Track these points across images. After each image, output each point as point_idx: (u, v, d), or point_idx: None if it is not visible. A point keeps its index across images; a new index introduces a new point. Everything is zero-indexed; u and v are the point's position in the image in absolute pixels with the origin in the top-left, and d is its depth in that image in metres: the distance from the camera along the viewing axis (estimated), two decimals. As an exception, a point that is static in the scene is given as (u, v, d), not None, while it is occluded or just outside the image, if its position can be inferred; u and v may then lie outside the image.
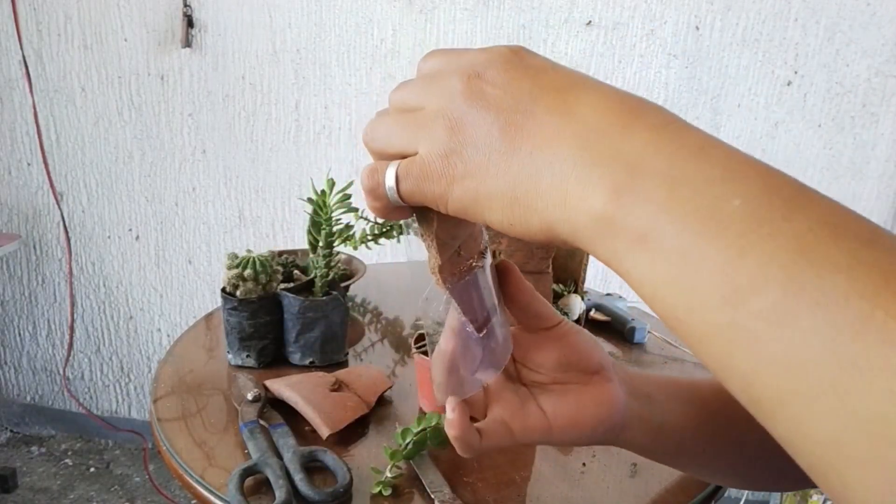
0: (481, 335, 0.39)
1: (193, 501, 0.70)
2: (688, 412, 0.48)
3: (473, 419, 0.43)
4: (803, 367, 0.21)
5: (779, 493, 1.79)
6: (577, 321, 0.94)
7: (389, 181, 0.31)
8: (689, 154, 0.25)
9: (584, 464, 0.75)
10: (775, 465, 0.51)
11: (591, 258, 0.95)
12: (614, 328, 1.05)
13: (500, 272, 0.42)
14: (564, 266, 0.94)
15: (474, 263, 0.38)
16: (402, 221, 1.05)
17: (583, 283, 0.96)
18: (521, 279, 0.43)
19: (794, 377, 0.21)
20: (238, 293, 0.85)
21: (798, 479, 0.52)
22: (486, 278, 0.40)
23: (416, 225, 0.36)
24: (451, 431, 0.41)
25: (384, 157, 0.32)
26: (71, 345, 2.05)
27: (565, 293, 0.94)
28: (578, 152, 0.26)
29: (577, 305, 0.93)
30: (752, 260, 0.22)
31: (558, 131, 0.27)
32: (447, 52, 0.32)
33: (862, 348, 0.20)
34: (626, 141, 0.26)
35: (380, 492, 0.67)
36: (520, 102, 0.28)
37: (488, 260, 0.41)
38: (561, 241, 0.28)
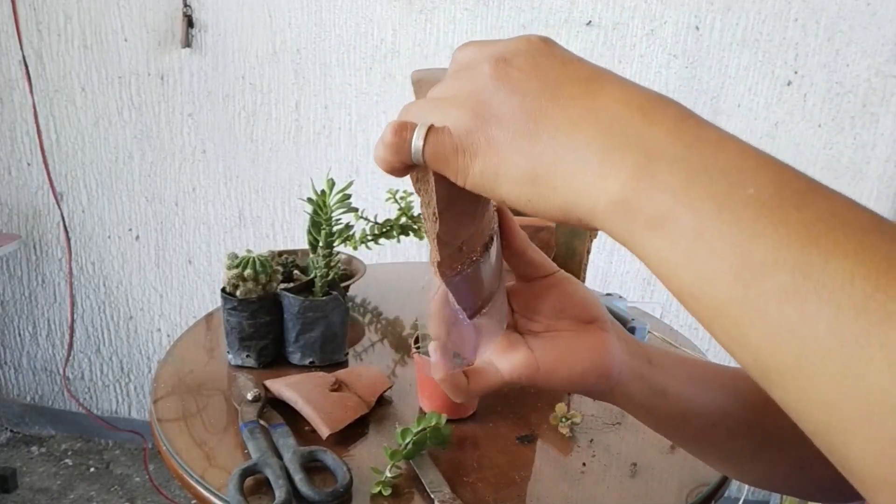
0: (473, 320, 0.40)
1: (193, 501, 0.70)
2: (698, 387, 0.47)
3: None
4: (809, 343, 0.23)
5: (779, 494, 1.78)
6: None
7: (417, 141, 0.32)
8: (706, 145, 0.27)
9: (584, 464, 0.75)
10: (801, 455, 0.47)
11: (590, 259, 0.95)
12: (614, 328, 1.05)
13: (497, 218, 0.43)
14: (564, 266, 0.94)
15: (476, 258, 0.40)
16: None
17: (583, 283, 0.96)
18: (515, 226, 0.44)
19: (800, 352, 0.23)
20: (238, 293, 0.85)
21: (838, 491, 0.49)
22: (490, 260, 0.41)
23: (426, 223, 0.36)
24: (436, 375, 0.41)
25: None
26: (71, 345, 2.05)
27: None
28: (600, 138, 0.28)
29: None
30: (764, 243, 0.24)
31: (582, 117, 0.29)
32: (479, 42, 0.34)
33: (863, 326, 0.22)
34: (647, 130, 0.27)
35: (380, 492, 0.67)
36: (545, 88, 0.30)
37: (494, 245, 0.42)
38: (576, 220, 0.30)
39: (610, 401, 0.46)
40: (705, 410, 0.48)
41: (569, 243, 0.94)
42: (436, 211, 0.35)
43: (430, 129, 0.32)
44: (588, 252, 0.94)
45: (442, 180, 0.34)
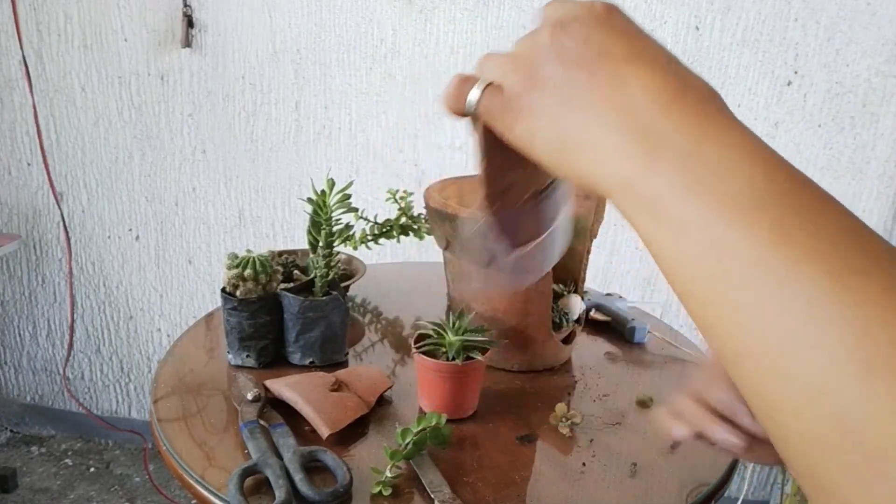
0: (510, 257, 0.45)
1: (193, 501, 0.70)
2: None
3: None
4: (760, 328, 0.26)
5: (779, 493, 1.79)
6: (577, 321, 0.94)
7: (473, 96, 0.37)
8: (710, 140, 0.29)
9: (584, 464, 0.75)
10: None
11: (590, 258, 0.95)
12: (614, 328, 1.05)
13: None
14: (564, 266, 0.94)
15: (520, 204, 0.44)
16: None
17: (583, 282, 0.96)
18: None
19: (754, 335, 0.26)
20: (238, 293, 0.85)
21: None
22: (538, 211, 0.46)
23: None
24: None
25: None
26: (71, 345, 2.05)
27: (565, 293, 0.94)
28: (619, 122, 0.31)
29: (577, 305, 0.93)
30: (738, 235, 0.27)
31: (609, 99, 0.31)
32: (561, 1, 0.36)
33: (816, 324, 0.24)
34: (662, 122, 0.30)
35: (380, 492, 0.67)
36: (587, 61, 0.32)
37: (549, 203, 0.46)
38: (591, 189, 0.33)
39: None
40: None
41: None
42: (481, 152, 0.40)
43: (488, 87, 0.36)
44: (588, 252, 0.94)
45: (490, 129, 0.38)
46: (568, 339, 0.94)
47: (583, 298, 0.95)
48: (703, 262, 0.28)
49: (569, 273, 0.95)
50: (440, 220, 0.85)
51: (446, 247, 0.87)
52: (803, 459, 0.26)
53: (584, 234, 0.93)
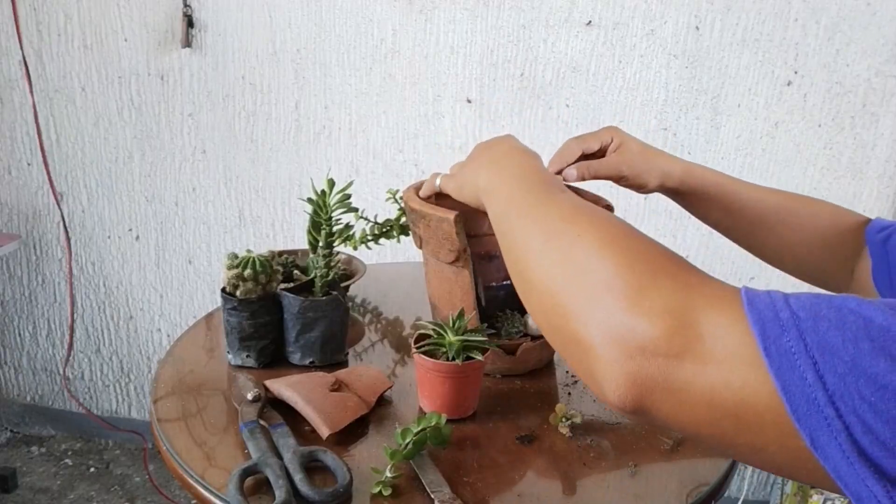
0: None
1: (193, 501, 0.70)
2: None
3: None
4: (516, 237, 0.53)
5: (779, 493, 1.79)
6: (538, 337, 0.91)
7: (438, 181, 0.79)
8: (506, 170, 0.64)
9: (584, 464, 0.75)
10: None
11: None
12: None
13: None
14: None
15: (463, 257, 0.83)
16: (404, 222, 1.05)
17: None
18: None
19: (516, 241, 0.53)
20: (238, 293, 0.85)
21: None
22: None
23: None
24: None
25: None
26: (71, 345, 2.05)
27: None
28: (481, 171, 0.67)
29: (523, 324, 0.91)
30: (516, 200, 0.58)
31: (481, 165, 0.68)
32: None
33: (538, 242, 0.50)
34: (494, 168, 0.66)
35: (380, 492, 0.67)
36: (482, 152, 0.71)
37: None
38: (476, 202, 0.68)
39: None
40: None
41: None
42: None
43: (445, 176, 0.79)
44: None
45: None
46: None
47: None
48: (506, 214, 0.57)
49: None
50: (415, 219, 0.85)
51: (420, 245, 0.88)
52: (522, 292, 0.52)
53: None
